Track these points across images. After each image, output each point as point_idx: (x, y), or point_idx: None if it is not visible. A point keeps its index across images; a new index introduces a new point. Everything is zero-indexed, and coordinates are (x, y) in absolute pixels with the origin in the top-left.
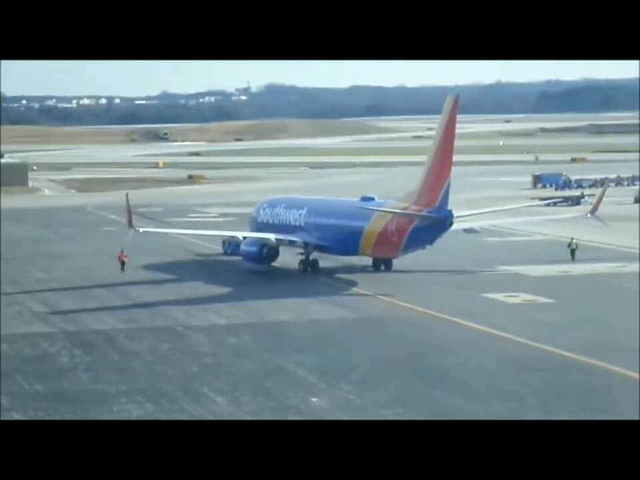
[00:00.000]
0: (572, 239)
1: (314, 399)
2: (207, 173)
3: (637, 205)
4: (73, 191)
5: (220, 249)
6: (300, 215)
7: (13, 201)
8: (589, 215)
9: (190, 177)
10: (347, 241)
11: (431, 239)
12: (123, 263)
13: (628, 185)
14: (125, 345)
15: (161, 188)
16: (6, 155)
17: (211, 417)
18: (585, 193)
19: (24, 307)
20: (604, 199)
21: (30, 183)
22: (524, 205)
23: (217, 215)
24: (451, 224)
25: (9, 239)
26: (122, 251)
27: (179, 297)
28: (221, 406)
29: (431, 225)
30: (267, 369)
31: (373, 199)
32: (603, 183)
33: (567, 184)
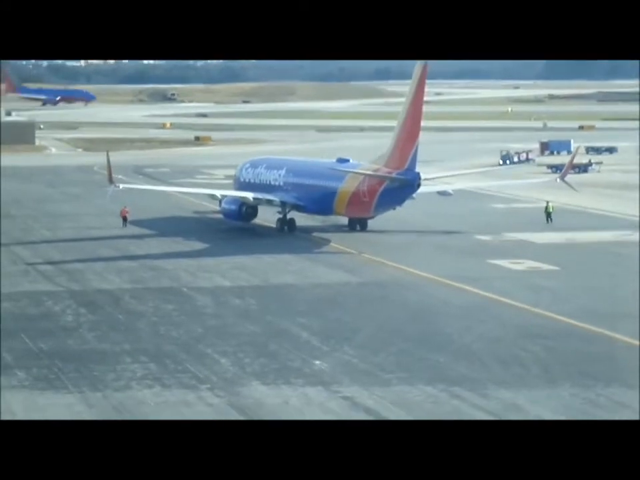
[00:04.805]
0: (547, 202)
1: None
2: (213, 135)
3: None
4: (79, 150)
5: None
6: (279, 175)
7: (20, 159)
8: (558, 180)
9: (197, 138)
10: (322, 201)
11: (399, 200)
12: (124, 219)
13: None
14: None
15: (167, 149)
16: (13, 113)
17: None
18: (592, 161)
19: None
20: (612, 167)
21: (37, 142)
22: (495, 167)
23: (222, 176)
24: (419, 185)
25: (14, 197)
26: (124, 207)
27: (169, 250)
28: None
29: (399, 186)
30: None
31: (347, 160)
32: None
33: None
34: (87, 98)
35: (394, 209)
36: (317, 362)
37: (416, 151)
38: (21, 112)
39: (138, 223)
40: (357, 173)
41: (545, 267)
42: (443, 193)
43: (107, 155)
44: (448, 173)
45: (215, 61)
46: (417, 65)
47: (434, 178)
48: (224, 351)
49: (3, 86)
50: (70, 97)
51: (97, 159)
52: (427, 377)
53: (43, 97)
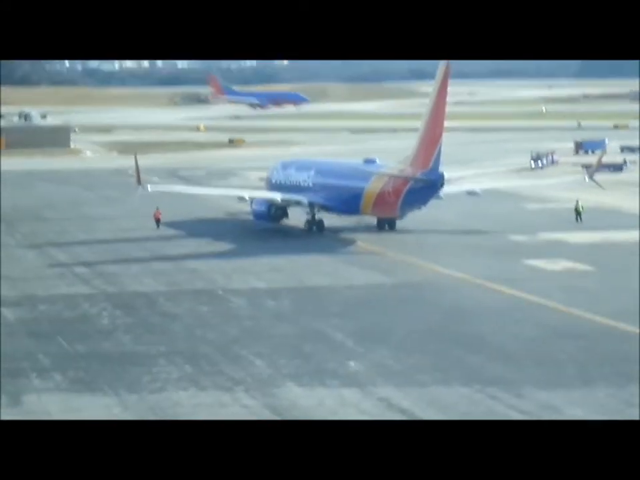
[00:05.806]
0: (577, 200)
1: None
2: (247, 137)
3: None
4: (114, 153)
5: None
6: (308, 176)
7: (55, 162)
8: (586, 179)
9: (231, 140)
10: (349, 201)
11: (424, 200)
12: (157, 221)
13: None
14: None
15: (202, 151)
16: (48, 116)
17: None
18: (627, 160)
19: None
20: None
21: (72, 145)
22: (519, 167)
23: (257, 178)
24: (442, 185)
25: (50, 201)
26: (157, 209)
27: (202, 251)
28: None
29: (423, 186)
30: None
31: (374, 161)
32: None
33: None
34: (298, 100)
35: (419, 209)
36: (352, 363)
37: (439, 151)
38: (56, 115)
39: (171, 224)
40: (381, 173)
41: (581, 267)
42: (471, 193)
43: (135, 157)
44: (477, 171)
45: (248, 64)
46: (440, 65)
47: (461, 178)
48: (259, 353)
49: (211, 89)
50: (280, 100)
51: (131, 162)
52: (463, 377)
53: (252, 100)
